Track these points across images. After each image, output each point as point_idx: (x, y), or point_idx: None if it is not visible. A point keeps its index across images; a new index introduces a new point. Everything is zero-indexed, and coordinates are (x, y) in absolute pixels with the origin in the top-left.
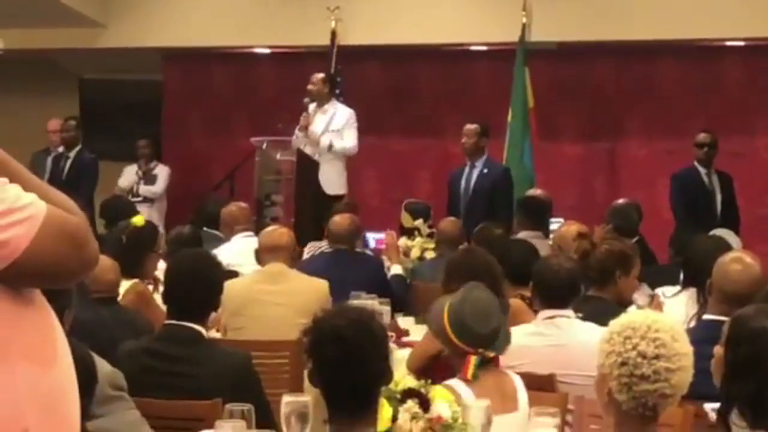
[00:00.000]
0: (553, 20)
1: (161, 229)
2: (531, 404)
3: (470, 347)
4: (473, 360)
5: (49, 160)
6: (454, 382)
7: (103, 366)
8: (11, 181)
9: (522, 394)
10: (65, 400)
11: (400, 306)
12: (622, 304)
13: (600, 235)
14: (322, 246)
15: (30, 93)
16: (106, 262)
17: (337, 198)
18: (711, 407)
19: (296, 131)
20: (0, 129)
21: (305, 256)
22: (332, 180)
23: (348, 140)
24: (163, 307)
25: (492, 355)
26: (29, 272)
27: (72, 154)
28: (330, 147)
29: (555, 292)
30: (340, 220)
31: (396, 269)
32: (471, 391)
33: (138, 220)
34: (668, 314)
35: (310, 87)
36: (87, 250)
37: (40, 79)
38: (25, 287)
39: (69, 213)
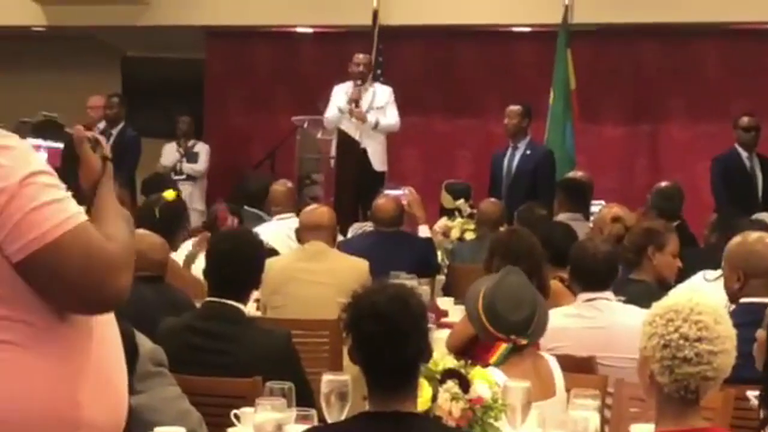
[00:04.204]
0: (595, 2)
1: (203, 207)
2: (570, 386)
3: (503, 334)
4: (502, 347)
5: None
6: (491, 369)
7: (144, 342)
8: None
9: (558, 378)
10: (113, 372)
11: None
12: (663, 285)
13: (636, 218)
14: (365, 226)
15: (73, 70)
16: (156, 240)
17: (381, 174)
18: (754, 394)
19: (335, 110)
20: (43, 106)
21: (349, 236)
22: (378, 156)
23: (391, 117)
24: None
25: (524, 342)
26: (48, 268)
27: (115, 132)
28: (376, 125)
29: (593, 275)
30: (385, 204)
31: (424, 231)
32: (507, 378)
33: (169, 194)
34: (710, 297)
35: (361, 69)
36: (112, 278)
37: (82, 57)
38: (37, 285)
39: (114, 241)
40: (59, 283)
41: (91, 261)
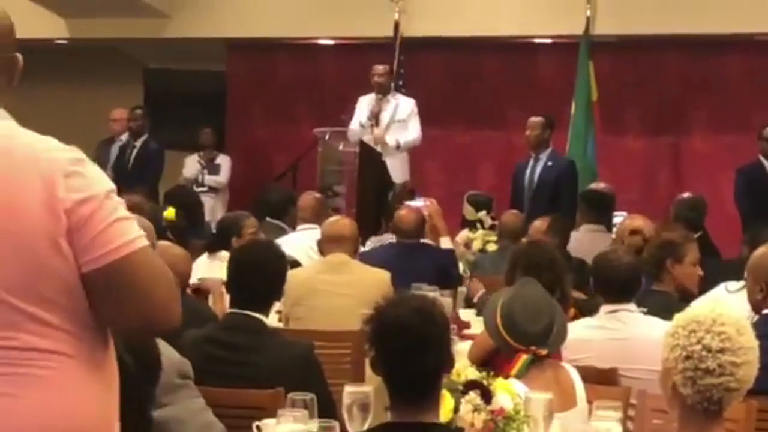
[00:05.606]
0: (617, 13)
1: None
2: (593, 398)
3: (522, 345)
4: (523, 358)
5: (115, 148)
6: (512, 380)
7: (172, 354)
8: None
9: (579, 389)
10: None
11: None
12: (685, 297)
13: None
14: (384, 238)
15: (95, 83)
16: (179, 252)
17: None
18: None
19: (357, 123)
20: (65, 118)
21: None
22: (397, 169)
23: (413, 131)
24: None
25: (544, 352)
26: (122, 279)
27: (138, 144)
28: (398, 146)
29: (616, 286)
30: (407, 216)
31: (446, 242)
32: (529, 389)
33: (169, 213)
34: (732, 308)
35: (381, 80)
36: (175, 301)
37: (105, 69)
38: (105, 297)
39: None
40: (130, 297)
41: (160, 280)
